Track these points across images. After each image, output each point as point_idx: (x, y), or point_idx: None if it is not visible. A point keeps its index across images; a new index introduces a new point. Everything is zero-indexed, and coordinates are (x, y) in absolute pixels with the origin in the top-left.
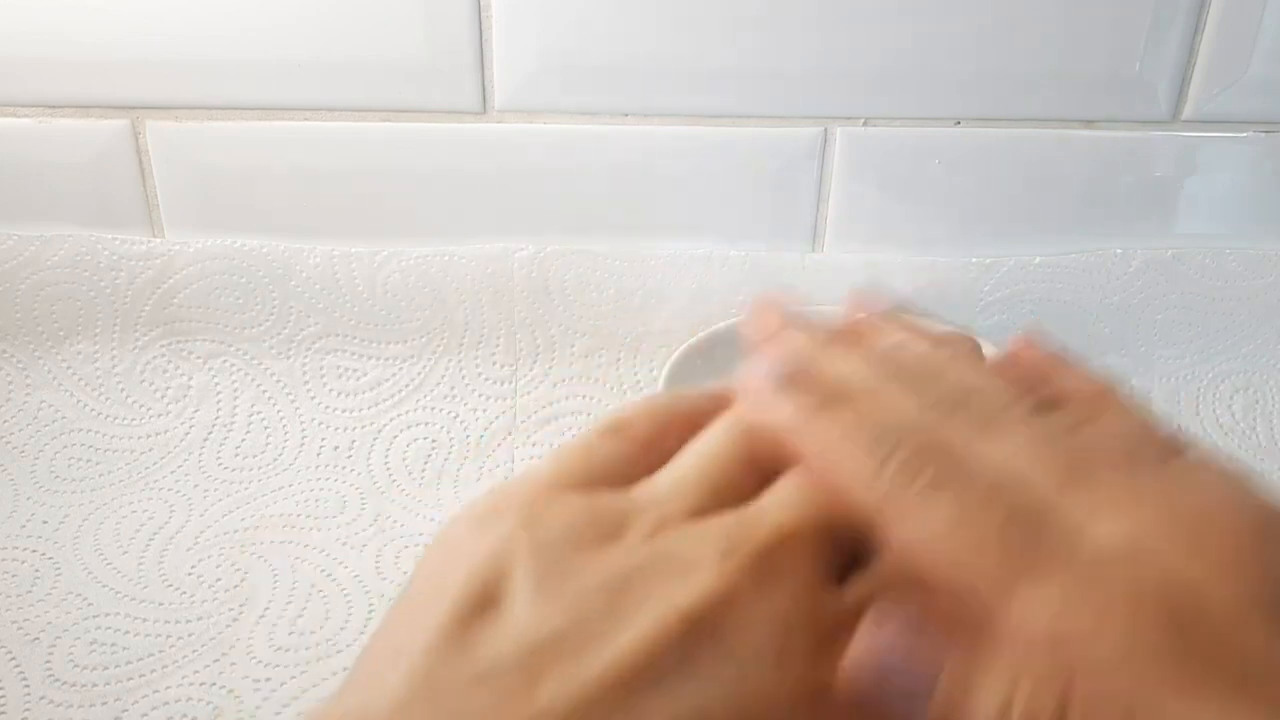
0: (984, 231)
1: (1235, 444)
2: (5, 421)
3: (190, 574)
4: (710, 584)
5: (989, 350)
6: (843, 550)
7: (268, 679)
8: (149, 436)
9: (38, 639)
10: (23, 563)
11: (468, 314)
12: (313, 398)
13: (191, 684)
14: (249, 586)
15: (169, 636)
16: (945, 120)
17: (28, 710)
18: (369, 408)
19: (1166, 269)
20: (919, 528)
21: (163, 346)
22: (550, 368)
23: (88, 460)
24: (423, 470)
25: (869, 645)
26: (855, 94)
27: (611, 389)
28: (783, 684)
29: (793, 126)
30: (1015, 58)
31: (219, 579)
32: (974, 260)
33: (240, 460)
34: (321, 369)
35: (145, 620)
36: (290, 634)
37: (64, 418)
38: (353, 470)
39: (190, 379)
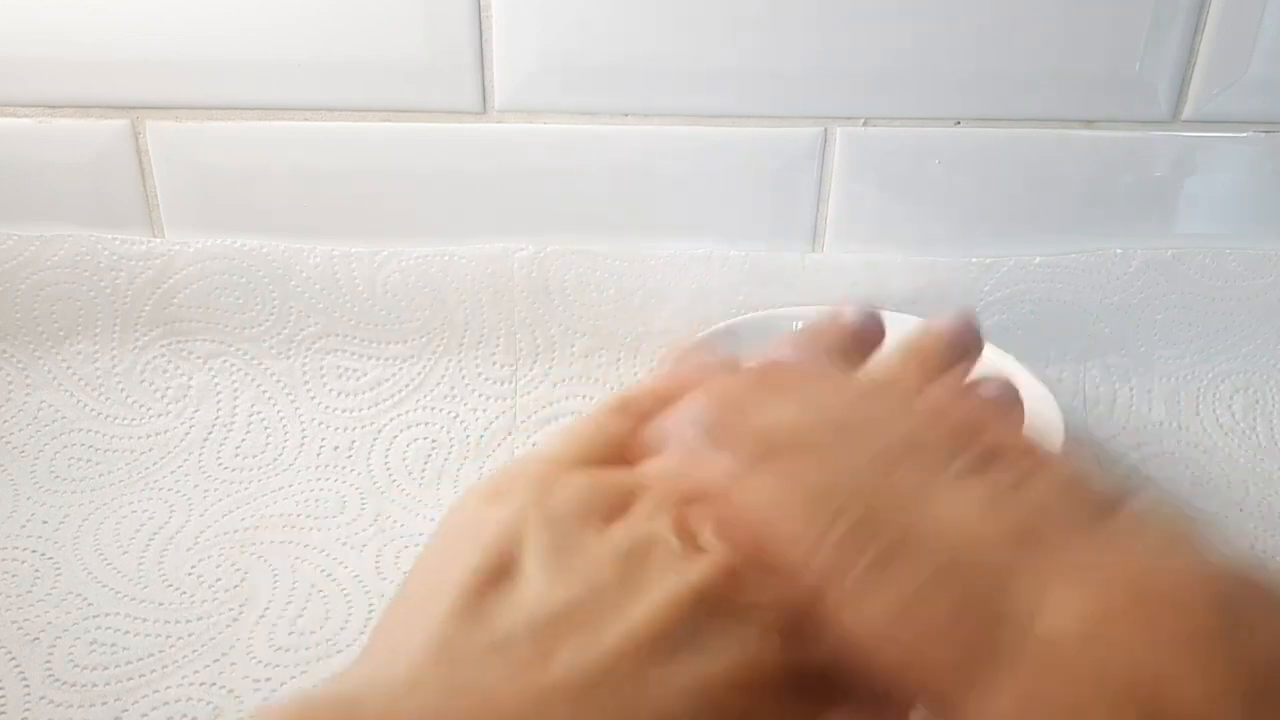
0: (984, 231)
1: (1235, 444)
2: (5, 421)
3: (190, 574)
4: (720, 558)
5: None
6: None
7: (268, 679)
8: (149, 436)
9: (38, 639)
10: (23, 563)
11: (468, 314)
12: (313, 398)
13: (191, 684)
14: (249, 586)
15: (169, 636)
16: (945, 120)
17: (28, 710)
18: (369, 408)
19: (1166, 269)
20: (866, 614)
21: (163, 346)
22: (550, 368)
23: (88, 460)
24: (423, 470)
25: None
26: (855, 94)
27: (611, 389)
28: (789, 658)
29: (793, 126)
30: (1015, 58)
31: (219, 579)
32: (974, 260)
33: (240, 460)
34: (321, 369)
35: (145, 620)
36: (290, 634)
37: (64, 418)
38: (353, 470)
39: (190, 379)
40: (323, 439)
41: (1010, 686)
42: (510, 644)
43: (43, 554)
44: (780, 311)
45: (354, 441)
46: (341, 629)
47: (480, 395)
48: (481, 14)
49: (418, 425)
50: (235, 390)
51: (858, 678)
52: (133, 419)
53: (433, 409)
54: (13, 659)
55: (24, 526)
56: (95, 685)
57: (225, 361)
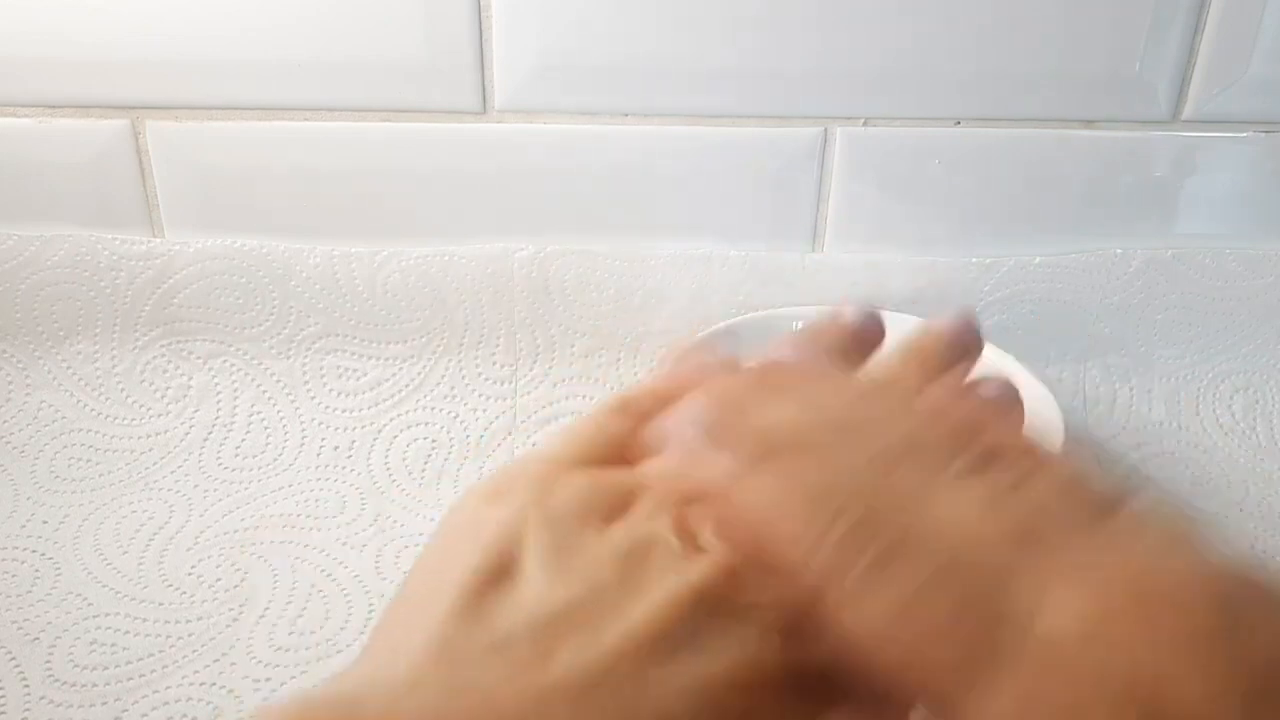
0: (984, 231)
1: (1235, 444)
2: (5, 421)
3: (190, 574)
4: (720, 558)
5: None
6: None
7: (268, 679)
8: (149, 436)
9: (38, 639)
10: (23, 563)
11: (468, 314)
12: (313, 398)
13: (191, 684)
14: (249, 586)
15: (169, 636)
16: (945, 120)
17: (28, 710)
18: (369, 408)
19: (1166, 269)
20: (866, 614)
21: (163, 346)
22: (550, 368)
23: (88, 460)
24: (423, 470)
25: None
26: (855, 94)
27: (611, 389)
28: (789, 658)
29: (793, 126)
30: (1015, 58)
31: (219, 579)
32: (974, 260)
33: (240, 460)
34: (321, 369)
35: (145, 620)
36: (290, 634)
37: (64, 418)
38: (353, 470)
39: (190, 379)
40: (323, 439)
41: (1010, 686)
42: (510, 644)
43: (43, 554)
44: (780, 311)
45: (354, 441)
46: (341, 629)
47: (480, 395)
48: (481, 14)
49: (418, 425)
50: (235, 390)
51: (858, 678)
52: (133, 419)
53: (433, 409)
54: (13, 659)
55: (24, 526)
56: (95, 685)
57: (225, 361)
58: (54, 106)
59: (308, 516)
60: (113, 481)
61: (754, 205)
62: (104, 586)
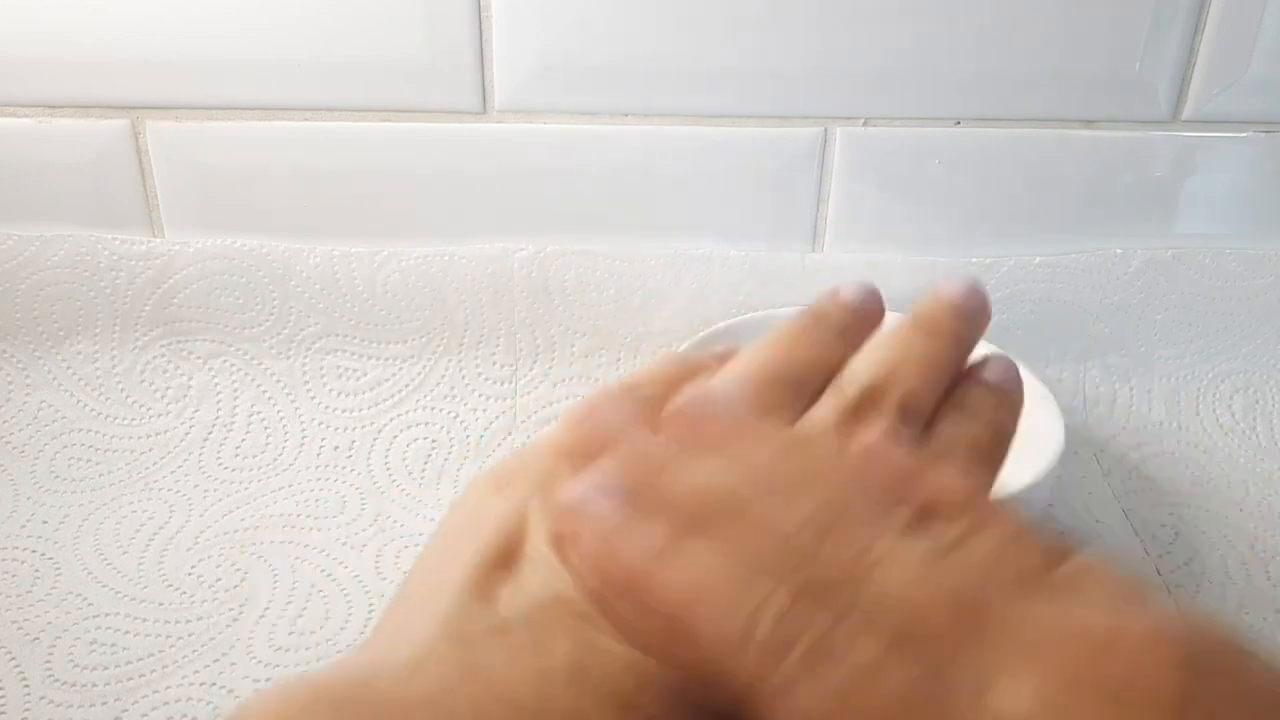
0: (984, 231)
1: (1235, 444)
2: (5, 421)
3: (190, 574)
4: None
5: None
6: None
7: (268, 679)
8: (149, 436)
9: (38, 639)
10: (23, 563)
11: (468, 314)
12: (313, 398)
13: (191, 684)
14: (249, 586)
15: (169, 636)
16: (945, 120)
17: (28, 710)
18: (369, 408)
19: (1166, 269)
20: (804, 700)
21: (163, 346)
22: (550, 368)
23: (88, 460)
24: (423, 470)
25: None
26: (855, 94)
27: None
28: None
29: (793, 126)
30: (1015, 58)
31: (219, 579)
32: (974, 260)
33: (240, 460)
34: (321, 369)
35: (145, 620)
36: (290, 634)
37: (64, 418)
38: (353, 470)
39: (190, 379)
40: (323, 439)
41: None
42: (512, 628)
43: (43, 554)
44: (780, 311)
45: (354, 441)
46: (341, 629)
47: (480, 395)
48: (481, 14)
49: (418, 425)
50: (235, 390)
51: None
52: (133, 419)
53: (433, 409)
54: (13, 659)
55: (24, 526)
56: (95, 685)
57: (225, 361)
58: (54, 106)
59: (308, 516)
60: (113, 481)
61: (754, 205)
62: (104, 586)
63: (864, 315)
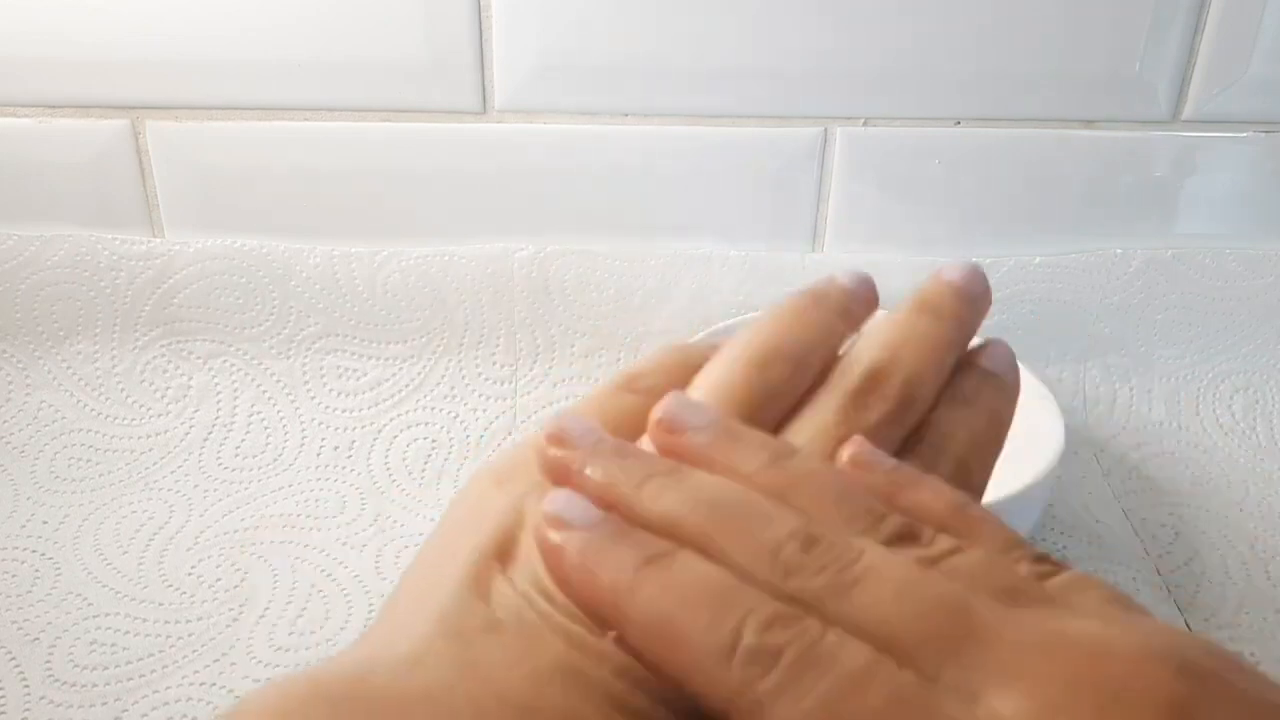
0: (984, 231)
1: (1235, 444)
2: (5, 421)
3: (190, 574)
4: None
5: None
6: None
7: (268, 679)
8: (149, 436)
9: (38, 639)
10: (23, 563)
11: (468, 314)
12: (313, 398)
13: (191, 684)
14: (249, 586)
15: (169, 636)
16: (945, 120)
17: (28, 710)
18: (369, 408)
19: (1166, 269)
20: (790, 718)
21: (163, 346)
22: (550, 368)
23: (88, 460)
24: (423, 470)
25: None
26: (855, 94)
27: None
28: None
29: (793, 126)
30: (1015, 58)
31: (219, 579)
32: (974, 260)
33: (240, 460)
34: (321, 369)
35: (145, 620)
36: (290, 634)
37: (64, 418)
38: (353, 470)
39: (190, 379)
40: (323, 439)
41: None
42: (510, 625)
43: (43, 554)
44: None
45: (354, 441)
46: (341, 629)
47: (480, 395)
48: (481, 14)
49: (418, 425)
50: (235, 390)
51: None
52: (133, 419)
53: (433, 409)
54: (13, 659)
55: (24, 526)
56: (95, 685)
57: (225, 361)
58: (54, 106)
59: (308, 516)
60: (113, 481)
61: (754, 205)
62: (104, 586)
63: (861, 300)
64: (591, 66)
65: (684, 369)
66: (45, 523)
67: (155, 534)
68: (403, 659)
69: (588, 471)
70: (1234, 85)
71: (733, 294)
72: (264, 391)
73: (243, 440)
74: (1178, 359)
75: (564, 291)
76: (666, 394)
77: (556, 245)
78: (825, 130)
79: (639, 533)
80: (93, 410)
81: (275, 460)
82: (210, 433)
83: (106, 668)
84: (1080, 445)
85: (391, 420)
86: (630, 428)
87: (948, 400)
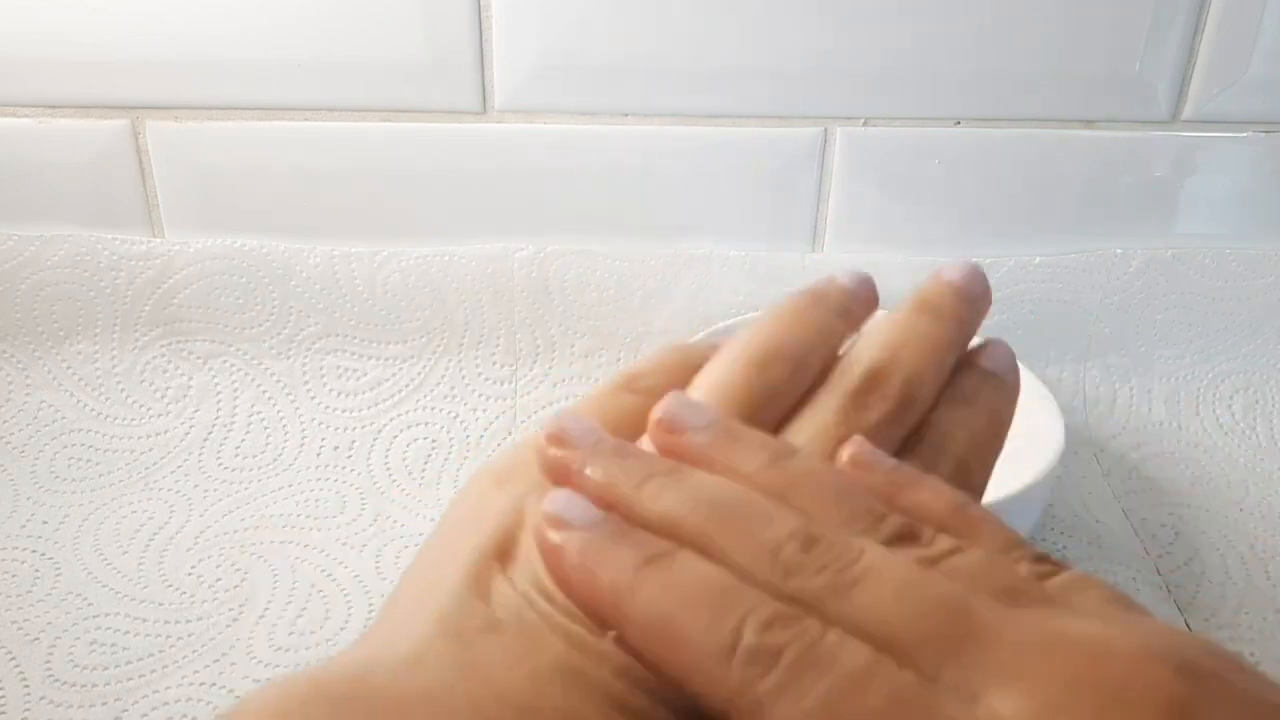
0: (984, 231)
1: (1235, 444)
2: (5, 421)
3: (190, 574)
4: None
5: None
6: None
7: (268, 679)
8: (149, 436)
9: (38, 639)
10: (23, 563)
11: (468, 314)
12: (313, 398)
13: (191, 684)
14: (249, 586)
15: (169, 636)
16: (945, 120)
17: (28, 710)
18: (369, 408)
19: (1166, 269)
20: (790, 718)
21: (163, 346)
22: (550, 368)
23: (88, 460)
24: (423, 470)
25: None
26: (855, 94)
27: None
28: None
29: (793, 126)
30: (1015, 58)
31: (219, 579)
32: (974, 260)
33: (240, 460)
34: (321, 369)
35: (145, 620)
36: (290, 634)
37: (64, 418)
38: (353, 470)
39: (190, 379)
40: (323, 439)
41: None
42: (510, 625)
43: (43, 554)
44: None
45: (354, 441)
46: (341, 629)
47: (480, 395)
48: (481, 14)
49: (418, 425)
50: (235, 390)
51: None
52: (133, 419)
53: (433, 409)
54: (13, 659)
55: (24, 526)
56: (95, 685)
57: (225, 361)
58: (54, 106)
59: (308, 516)
60: (113, 481)
61: (754, 205)
62: (104, 586)
63: (861, 300)
64: (591, 66)
65: (684, 369)
66: (45, 523)
67: (155, 534)
68: (403, 659)
69: (588, 471)
70: (1234, 85)
71: (733, 294)
72: (264, 391)
73: (243, 440)
74: (1178, 359)
75: (564, 291)
76: (666, 394)
77: (556, 245)
78: (825, 130)
79: (639, 533)
80: (93, 410)
81: (275, 460)
82: (210, 433)
83: (106, 668)
84: (1080, 445)
85: (391, 420)
86: (630, 428)
87: (948, 400)
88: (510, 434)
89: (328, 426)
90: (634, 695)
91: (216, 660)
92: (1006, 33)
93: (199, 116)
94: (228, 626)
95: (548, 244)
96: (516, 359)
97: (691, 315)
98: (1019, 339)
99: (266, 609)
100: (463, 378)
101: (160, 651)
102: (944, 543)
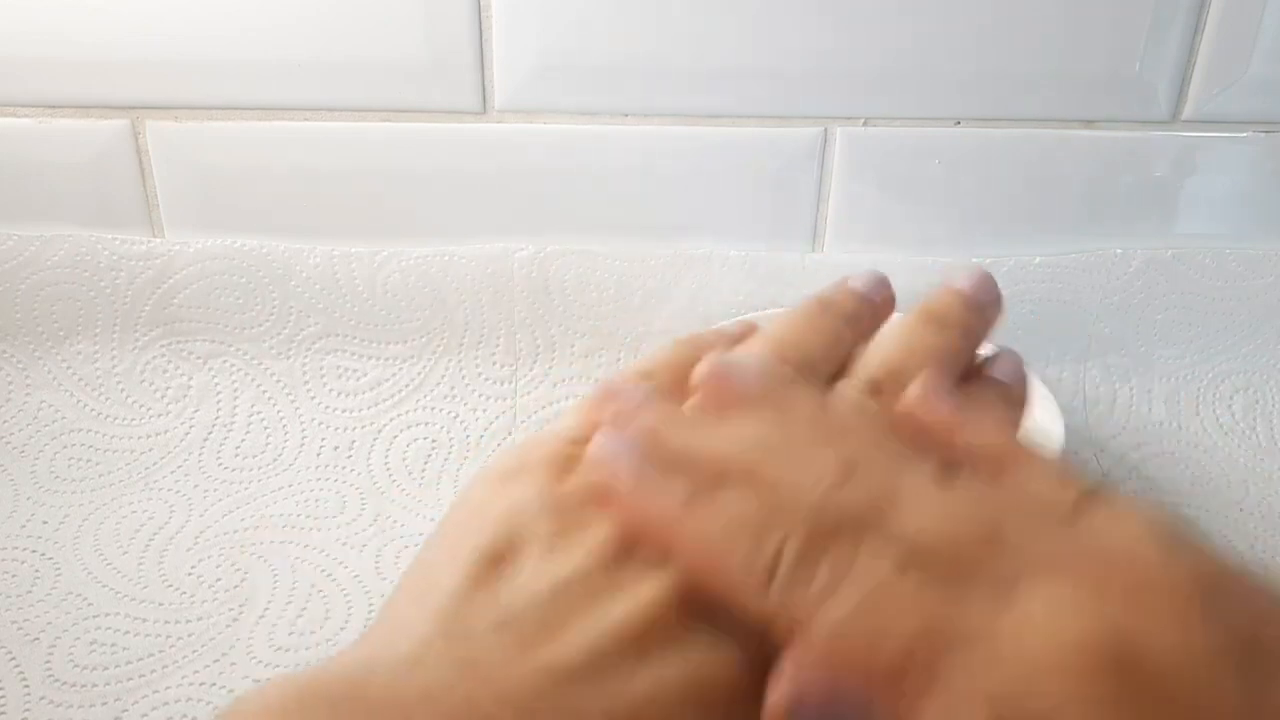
0: (984, 231)
1: (1235, 444)
2: (5, 421)
3: (190, 574)
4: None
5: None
6: None
7: (268, 679)
8: (149, 436)
9: (38, 639)
10: (23, 563)
11: (468, 314)
12: (313, 398)
13: (191, 684)
14: (249, 586)
15: (169, 636)
16: (945, 120)
17: (28, 710)
18: (369, 408)
19: (1166, 269)
20: (825, 629)
21: (163, 346)
22: (550, 368)
23: (88, 460)
24: (423, 470)
25: (789, 691)
26: (855, 94)
27: None
28: (752, 678)
29: (793, 126)
30: (1015, 58)
31: (219, 579)
32: (974, 260)
33: (240, 460)
34: (321, 369)
35: (145, 620)
36: (290, 634)
37: (64, 418)
38: (353, 470)
39: (190, 379)
40: (323, 439)
41: (980, 651)
42: (511, 624)
43: (43, 554)
44: (780, 311)
45: (354, 441)
46: (341, 629)
47: (480, 395)
48: (481, 14)
49: (418, 425)
50: (235, 390)
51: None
52: (133, 419)
53: (433, 409)
54: (13, 659)
55: (24, 526)
56: (95, 685)
57: (225, 361)
58: (54, 106)
59: (308, 516)
60: (113, 481)
61: (754, 205)
62: (104, 586)
63: (872, 304)
64: (591, 66)
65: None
66: (45, 523)
67: (155, 534)
68: (402, 659)
69: (640, 418)
70: (1234, 85)
71: (733, 294)
72: (264, 391)
73: (243, 440)
74: (1178, 359)
75: (564, 291)
76: (672, 388)
77: (556, 245)
78: (825, 130)
79: (686, 470)
80: (93, 410)
81: (275, 460)
82: (210, 433)
83: (106, 668)
84: (1080, 445)
85: (391, 420)
86: None
87: None
88: (510, 434)
89: (328, 426)
90: (627, 693)
91: (216, 660)
92: (1006, 33)
93: (199, 116)
94: (228, 626)
95: (548, 244)
96: (516, 359)
97: (691, 315)
98: (1019, 339)
99: (266, 609)
100: (463, 378)
101: (160, 651)
102: (987, 473)
